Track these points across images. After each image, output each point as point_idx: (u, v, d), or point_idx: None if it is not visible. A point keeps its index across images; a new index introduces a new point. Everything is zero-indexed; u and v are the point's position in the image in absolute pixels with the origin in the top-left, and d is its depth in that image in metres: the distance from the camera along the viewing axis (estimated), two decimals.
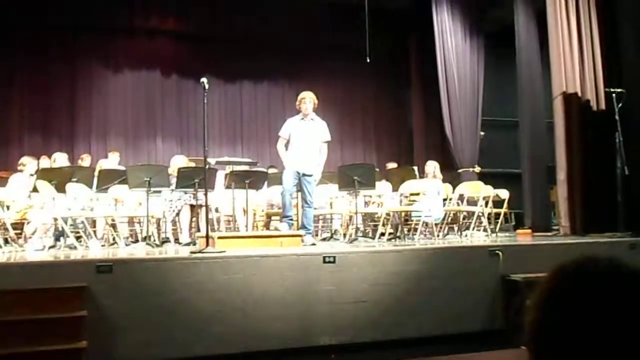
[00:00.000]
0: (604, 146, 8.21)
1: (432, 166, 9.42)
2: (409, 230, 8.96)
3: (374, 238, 8.25)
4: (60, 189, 7.44)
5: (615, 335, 0.81)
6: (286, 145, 7.62)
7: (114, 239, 8.01)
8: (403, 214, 8.82)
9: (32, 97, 12.28)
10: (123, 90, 13.13)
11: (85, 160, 10.04)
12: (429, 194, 8.29)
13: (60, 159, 8.93)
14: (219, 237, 6.54)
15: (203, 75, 6.40)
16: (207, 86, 6.24)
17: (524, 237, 8.93)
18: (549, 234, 9.01)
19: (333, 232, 9.27)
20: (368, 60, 10.94)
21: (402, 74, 14.17)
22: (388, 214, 8.51)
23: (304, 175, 7.43)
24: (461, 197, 9.21)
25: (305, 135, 7.52)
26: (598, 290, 0.85)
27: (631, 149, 7.85)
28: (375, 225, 8.75)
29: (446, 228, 9.29)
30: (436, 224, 8.51)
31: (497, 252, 6.10)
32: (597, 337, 0.82)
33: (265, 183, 8.62)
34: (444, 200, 8.99)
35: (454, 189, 9.32)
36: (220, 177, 8.44)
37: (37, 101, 12.31)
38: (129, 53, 13.14)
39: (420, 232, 8.39)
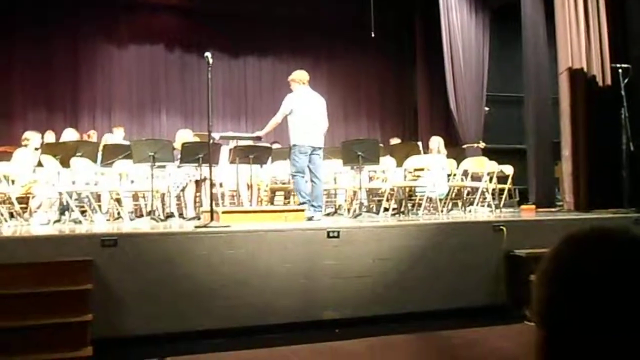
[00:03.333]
0: (610, 122, 8.14)
1: (436, 142, 9.41)
2: (412, 206, 8.95)
3: (378, 213, 8.27)
4: (65, 163, 7.44)
5: (632, 308, 0.79)
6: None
7: (118, 213, 8.02)
8: (407, 189, 8.80)
9: (34, 72, 12.25)
10: (127, 65, 13.12)
11: (92, 137, 10.04)
12: (433, 169, 8.26)
13: (69, 135, 8.91)
14: (224, 212, 6.55)
15: (207, 50, 6.35)
16: (211, 61, 6.19)
17: (527, 212, 8.90)
18: (553, 209, 8.98)
19: (337, 207, 9.27)
20: (373, 35, 10.86)
21: (406, 49, 14.14)
22: (392, 189, 8.52)
23: (315, 149, 7.39)
24: (465, 173, 9.19)
25: (312, 108, 7.46)
26: (612, 260, 0.82)
27: (637, 125, 7.80)
28: (380, 201, 8.75)
29: (450, 203, 9.31)
30: (440, 200, 8.53)
31: (501, 227, 6.10)
32: (613, 310, 0.79)
33: (270, 158, 8.61)
34: (448, 175, 8.96)
35: (458, 164, 9.29)
36: (224, 152, 8.42)
37: (40, 76, 12.28)
38: (132, 28, 13.10)
39: (424, 207, 8.36)
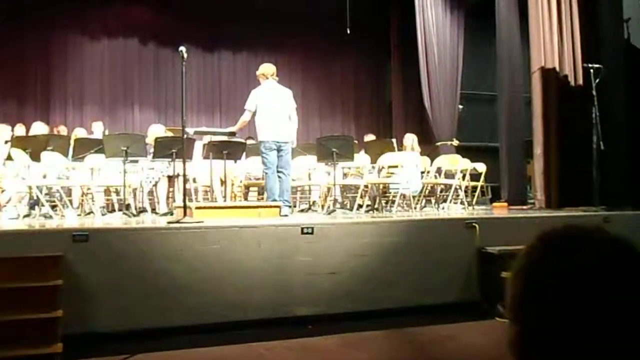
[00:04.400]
0: (581, 121, 8.25)
1: (410, 139, 9.45)
2: (386, 203, 9.00)
3: (352, 210, 8.29)
4: (35, 157, 7.34)
5: (604, 304, 0.80)
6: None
7: (90, 208, 7.93)
8: (381, 186, 8.83)
9: (5, 64, 12.03)
10: (100, 59, 13.00)
11: (61, 130, 9.90)
12: (407, 166, 8.29)
13: (38, 129, 8.80)
14: (197, 208, 6.50)
15: (181, 45, 6.28)
16: (185, 55, 6.14)
17: (500, 210, 8.99)
18: (525, 207, 9.08)
19: (311, 203, 9.25)
20: (348, 31, 10.87)
21: (381, 46, 14.17)
22: (366, 186, 8.51)
23: (282, 144, 7.36)
24: (439, 170, 9.24)
25: (277, 102, 7.40)
26: (584, 257, 0.84)
27: (607, 125, 7.89)
28: (354, 197, 8.74)
29: (423, 201, 9.34)
30: (414, 197, 8.53)
31: (473, 224, 6.14)
32: (585, 305, 0.80)
33: (244, 154, 8.58)
34: (422, 173, 9.02)
35: (431, 161, 9.33)
36: (198, 148, 8.37)
37: (11, 68, 12.08)
38: (105, 21, 12.98)
39: (398, 204, 8.39)
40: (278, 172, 7.40)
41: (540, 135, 8.70)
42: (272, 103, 7.36)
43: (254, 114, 7.37)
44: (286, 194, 7.43)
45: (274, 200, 7.22)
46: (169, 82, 13.13)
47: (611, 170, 8.11)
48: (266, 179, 7.41)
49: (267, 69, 7.52)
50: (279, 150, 7.31)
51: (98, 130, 10.02)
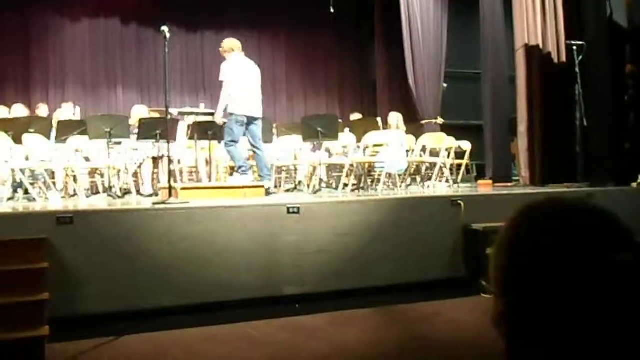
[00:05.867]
0: (564, 98, 8.30)
1: (395, 117, 9.44)
2: (372, 182, 9.00)
3: (337, 189, 8.31)
4: (17, 139, 7.27)
5: (589, 274, 0.79)
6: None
7: (74, 190, 7.87)
8: (366, 165, 8.84)
9: None
10: (81, 39, 12.86)
11: (40, 109, 9.72)
12: (392, 145, 8.29)
13: (18, 111, 8.74)
14: (182, 189, 6.51)
15: (164, 24, 6.22)
16: (168, 35, 6.10)
17: (485, 187, 9.06)
18: (510, 184, 9.17)
19: (297, 183, 9.27)
20: (332, 10, 10.80)
21: (366, 25, 14.11)
22: (352, 165, 8.52)
23: (253, 120, 7.29)
24: (424, 149, 9.27)
25: (248, 76, 7.32)
26: (567, 228, 0.83)
27: (590, 101, 7.93)
28: (339, 177, 8.75)
29: (409, 179, 9.40)
30: (399, 175, 8.62)
31: (458, 202, 6.16)
32: (571, 276, 0.80)
33: None
34: (407, 151, 9.02)
35: (416, 140, 9.37)
36: (182, 128, 8.31)
37: None
38: (85, 0, 12.75)
39: (384, 183, 8.42)
40: (253, 148, 7.41)
41: (524, 112, 8.73)
42: (245, 75, 7.29)
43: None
44: (266, 169, 7.45)
45: (241, 167, 7.22)
46: (151, 62, 13.06)
47: (595, 147, 8.14)
48: (229, 151, 7.32)
49: (234, 42, 7.42)
50: (249, 124, 7.25)
51: (69, 111, 9.79)
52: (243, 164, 7.30)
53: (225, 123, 7.31)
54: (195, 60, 13.60)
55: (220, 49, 7.46)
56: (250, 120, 7.25)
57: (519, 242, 0.86)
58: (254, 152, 7.44)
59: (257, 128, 7.35)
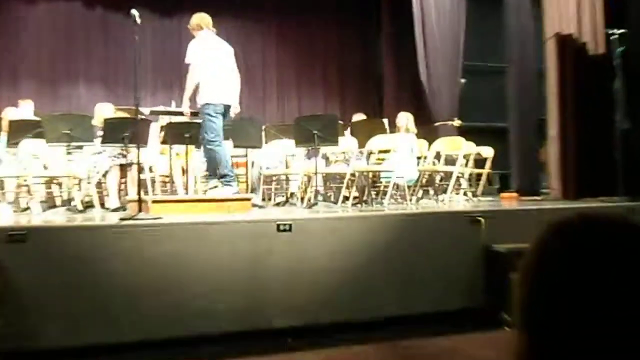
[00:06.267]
0: (602, 96, 8.28)
1: (404, 118, 9.37)
2: (377, 194, 8.96)
3: (336, 202, 8.27)
4: None
5: (629, 308, 0.79)
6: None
7: (27, 203, 7.86)
8: (370, 174, 8.81)
9: None
10: (37, 25, 12.83)
11: None
12: (400, 151, 8.29)
13: None
14: (154, 202, 6.52)
15: (133, 7, 6.22)
16: (138, 20, 6.10)
17: (509, 201, 9.09)
18: (538, 198, 9.19)
19: (289, 195, 9.25)
20: None
21: (371, 12, 14.14)
22: (353, 175, 8.46)
23: (228, 108, 7.33)
24: (438, 155, 9.24)
25: (222, 56, 7.36)
26: (605, 251, 0.82)
27: (632, 100, 7.93)
28: (338, 188, 8.71)
29: (420, 191, 9.33)
30: (409, 186, 8.56)
31: (478, 218, 6.15)
32: (607, 309, 0.79)
33: None
34: (418, 158, 9.02)
35: (429, 145, 9.34)
36: (154, 131, 8.30)
37: None
38: None
39: (391, 195, 8.35)
40: None
41: (555, 113, 8.75)
42: (217, 54, 7.33)
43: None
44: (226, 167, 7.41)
45: (226, 176, 7.22)
46: (119, 52, 12.96)
47: (637, 154, 8.14)
48: (213, 150, 7.32)
49: (203, 18, 7.49)
50: (224, 116, 7.29)
51: (27, 110, 9.80)
52: (229, 172, 7.30)
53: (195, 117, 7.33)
54: (171, 50, 13.44)
55: (189, 26, 7.47)
56: (226, 110, 7.26)
57: (547, 266, 0.85)
58: (215, 147, 7.38)
59: (226, 118, 7.37)
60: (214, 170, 7.33)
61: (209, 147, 7.31)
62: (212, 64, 7.18)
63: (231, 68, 7.41)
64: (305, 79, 14.34)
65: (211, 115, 7.15)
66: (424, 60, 11.22)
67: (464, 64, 11.47)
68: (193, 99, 7.53)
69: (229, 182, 7.29)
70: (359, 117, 10.66)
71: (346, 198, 8.35)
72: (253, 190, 8.74)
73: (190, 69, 7.20)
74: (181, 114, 8.14)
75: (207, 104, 7.19)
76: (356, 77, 14.76)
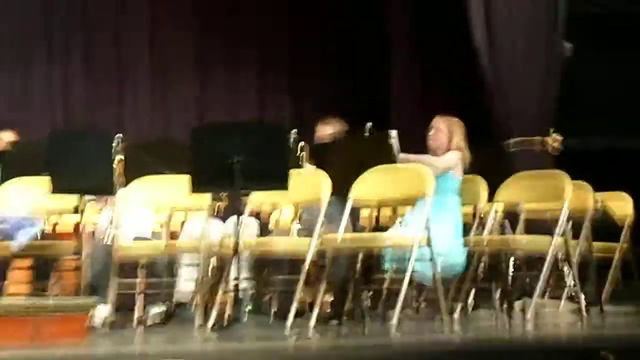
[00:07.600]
0: None
1: (445, 126, 8.77)
2: (372, 298, 8.31)
3: (283, 318, 7.70)
4: None
5: None
6: None
7: None
8: (361, 255, 8.00)
9: None
10: None
11: None
12: (429, 203, 7.41)
13: None
14: None
15: None
16: None
17: None
18: None
19: (175, 305, 8.55)
20: None
21: None
22: (322, 255, 7.72)
23: None
24: (513, 213, 8.78)
25: None
26: None
27: None
28: (292, 288, 7.99)
29: (472, 291, 8.64)
30: (448, 280, 8.10)
31: (606, 357, 5.52)
32: None
33: None
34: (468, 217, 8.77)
35: (493, 189, 8.56)
36: None
37: None
38: None
39: (407, 305, 7.70)
40: None
41: None
42: None
43: None
44: None
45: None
46: None
47: None
48: None
49: None
50: None
51: None
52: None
53: None
54: None
55: None
56: None
57: None
58: None
59: None
60: None
61: None
62: None
63: None
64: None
65: None
66: (483, 27, 11.77)
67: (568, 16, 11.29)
68: None
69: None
70: (327, 129, 9.74)
71: (309, 307, 8.08)
72: (94, 292, 8.08)
73: None
74: None
75: None
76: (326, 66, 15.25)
